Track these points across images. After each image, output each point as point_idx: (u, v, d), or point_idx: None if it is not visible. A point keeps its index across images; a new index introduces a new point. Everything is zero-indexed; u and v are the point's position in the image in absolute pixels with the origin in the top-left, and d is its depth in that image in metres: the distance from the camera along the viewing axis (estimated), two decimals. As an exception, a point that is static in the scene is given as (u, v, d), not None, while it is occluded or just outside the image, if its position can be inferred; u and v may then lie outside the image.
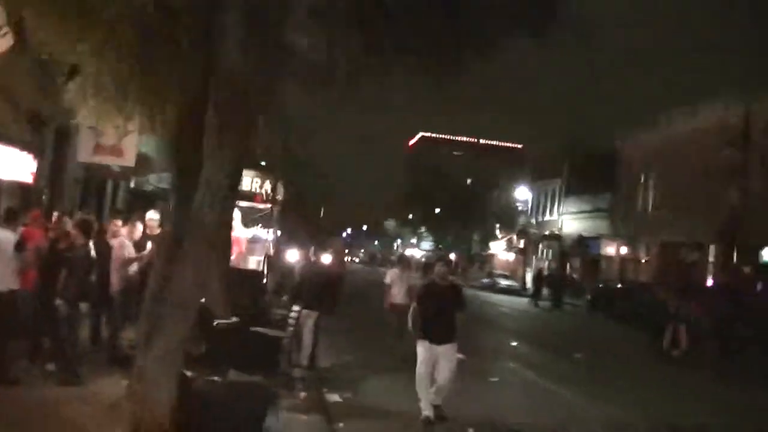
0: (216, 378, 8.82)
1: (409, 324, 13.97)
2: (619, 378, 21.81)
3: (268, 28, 8.51)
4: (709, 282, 45.05)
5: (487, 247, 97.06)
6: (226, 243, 14.20)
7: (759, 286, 40.20)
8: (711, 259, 47.39)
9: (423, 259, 50.13)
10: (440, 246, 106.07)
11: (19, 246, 12.33)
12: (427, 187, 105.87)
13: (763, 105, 43.54)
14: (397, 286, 21.31)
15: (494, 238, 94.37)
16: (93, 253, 13.09)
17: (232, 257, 17.44)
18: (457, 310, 13.75)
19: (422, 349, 13.44)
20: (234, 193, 10.18)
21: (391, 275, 22.19)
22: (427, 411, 13.23)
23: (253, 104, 8.83)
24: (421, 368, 13.38)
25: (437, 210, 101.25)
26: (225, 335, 11.62)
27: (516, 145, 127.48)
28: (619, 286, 50.11)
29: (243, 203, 23.65)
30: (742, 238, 43.39)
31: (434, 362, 13.34)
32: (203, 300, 9.88)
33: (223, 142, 8.43)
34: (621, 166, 60.74)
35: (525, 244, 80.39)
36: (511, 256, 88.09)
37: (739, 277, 42.22)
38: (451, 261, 16.81)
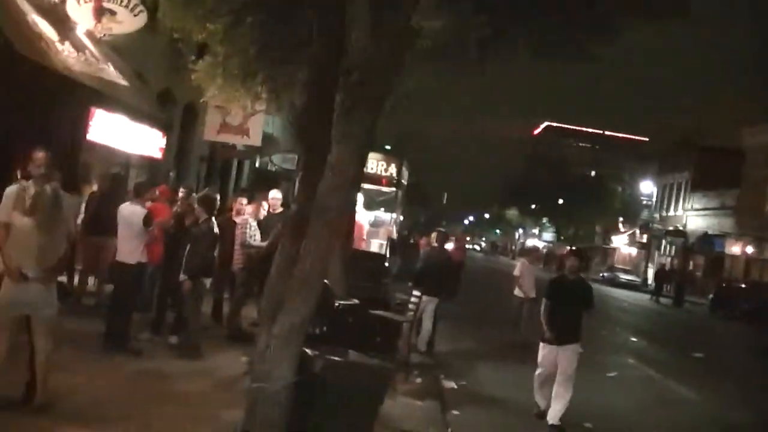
0: (336, 358, 8.81)
1: (543, 320, 12.89)
2: (741, 379, 21.36)
3: (398, 10, 8.46)
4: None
5: (609, 241, 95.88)
6: (349, 226, 14.32)
7: None
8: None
9: (544, 250, 49.82)
10: (562, 237, 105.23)
11: (147, 221, 12.54)
12: (550, 176, 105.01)
13: None
14: (525, 277, 21.12)
15: (617, 231, 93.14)
16: (216, 229, 13.25)
17: (355, 240, 17.53)
18: (584, 309, 12.97)
19: (543, 350, 12.83)
20: (359, 176, 10.19)
21: (520, 266, 22.02)
22: (542, 405, 12.89)
23: (382, 87, 8.78)
24: (539, 369, 12.90)
25: (560, 201, 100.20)
26: (345, 316, 11.67)
27: (642, 138, 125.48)
28: (744, 285, 48.80)
29: (367, 186, 23.75)
30: None
31: (554, 364, 12.61)
32: (326, 281, 9.92)
33: (352, 126, 8.40)
34: (751, 162, 59.15)
35: (648, 239, 79.08)
36: (632, 251, 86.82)
37: None
38: (584, 255, 15.96)
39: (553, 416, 12.42)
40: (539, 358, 12.87)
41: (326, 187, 8.33)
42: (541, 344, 12.88)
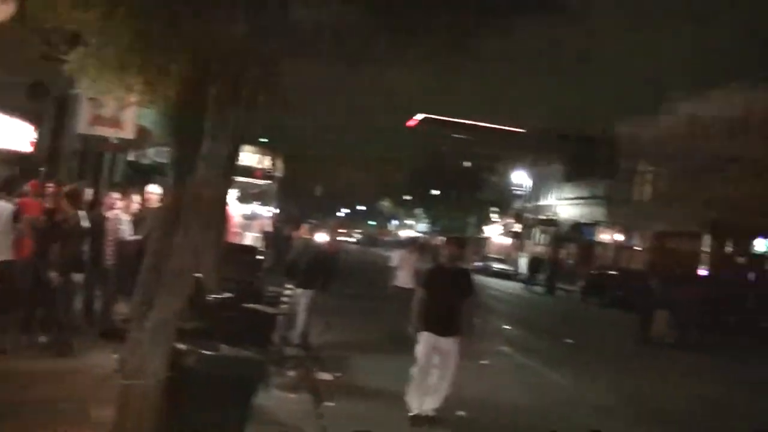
0: (207, 352, 8.81)
1: (419, 312, 12.45)
2: (608, 362, 22.25)
3: (273, 2, 8.48)
4: (703, 271, 45.31)
5: (482, 231, 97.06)
6: (222, 218, 14.27)
7: (752, 276, 40.48)
8: (705, 249, 47.54)
9: (420, 241, 50.20)
10: (435, 228, 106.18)
11: (16, 217, 12.31)
12: (425, 168, 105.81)
13: (763, 95, 43.59)
14: (403, 269, 21.22)
15: (490, 221, 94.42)
16: (84, 223, 13.06)
17: (227, 233, 17.45)
18: (465, 297, 12.45)
19: (422, 343, 12.23)
20: (232, 168, 10.17)
21: (397, 257, 22.13)
22: (416, 409, 12.40)
23: (256, 79, 8.78)
24: (417, 365, 12.34)
25: (435, 191, 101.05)
26: (217, 310, 11.59)
27: (518, 130, 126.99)
28: (613, 272, 50.04)
29: (241, 179, 23.67)
30: (735, 228, 43.71)
31: (434, 358, 12.27)
32: (198, 274, 9.89)
33: (224, 118, 8.41)
34: (620, 153, 60.60)
35: (520, 228, 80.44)
36: (506, 240, 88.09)
37: (731, 267, 42.94)
38: (463, 243, 15.80)
39: (428, 408, 12.29)
40: (418, 353, 12.38)
41: (198, 180, 8.32)
42: (419, 335, 12.39)
